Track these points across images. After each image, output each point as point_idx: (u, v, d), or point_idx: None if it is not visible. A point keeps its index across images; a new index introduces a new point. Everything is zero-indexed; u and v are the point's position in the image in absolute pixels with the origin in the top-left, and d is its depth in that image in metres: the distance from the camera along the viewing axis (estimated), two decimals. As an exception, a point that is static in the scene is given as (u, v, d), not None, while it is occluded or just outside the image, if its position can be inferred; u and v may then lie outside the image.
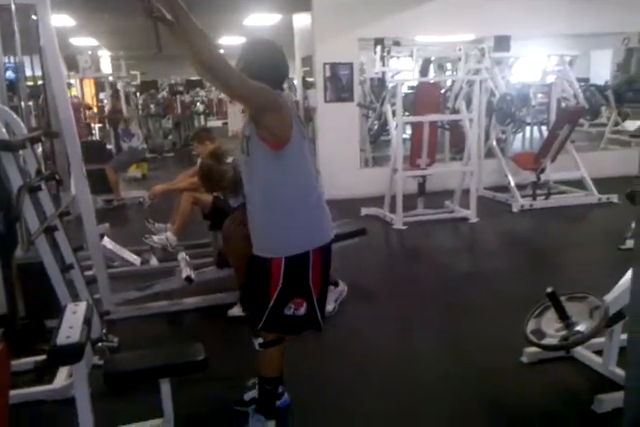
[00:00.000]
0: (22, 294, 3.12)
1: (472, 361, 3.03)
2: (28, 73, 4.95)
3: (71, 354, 1.74)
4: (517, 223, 5.99)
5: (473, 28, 7.16)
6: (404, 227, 5.66)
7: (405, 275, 4.46)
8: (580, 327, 2.49)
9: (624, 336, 2.29)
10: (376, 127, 7.92)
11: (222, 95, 17.69)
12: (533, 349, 2.83)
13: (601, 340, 2.75)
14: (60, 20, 7.52)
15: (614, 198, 6.35)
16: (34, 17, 3.42)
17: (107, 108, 8.60)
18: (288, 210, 2.14)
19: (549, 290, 2.57)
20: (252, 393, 2.56)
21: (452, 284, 4.25)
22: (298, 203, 2.15)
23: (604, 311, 2.49)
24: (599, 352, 2.80)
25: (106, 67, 12.49)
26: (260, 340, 2.26)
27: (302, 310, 2.20)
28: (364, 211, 6.08)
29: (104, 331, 3.03)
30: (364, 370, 2.93)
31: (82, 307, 1.96)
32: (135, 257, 4.25)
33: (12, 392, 2.61)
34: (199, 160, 4.65)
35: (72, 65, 8.30)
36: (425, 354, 3.15)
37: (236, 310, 3.60)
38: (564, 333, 2.52)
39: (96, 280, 3.37)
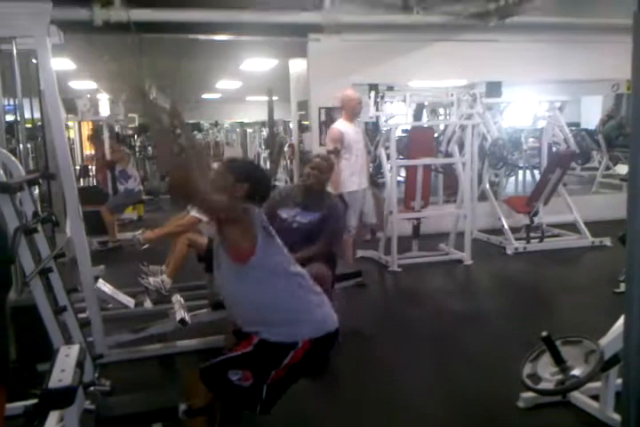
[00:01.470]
0: (14, 337, 3.10)
1: (468, 406, 3.00)
2: (27, 115, 5.04)
3: (63, 398, 1.72)
4: (512, 266, 6.00)
5: (465, 74, 7.35)
6: (399, 269, 5.66)
7: (401, 317, 4.44)
8: (576, 372, 2.49)
9: (620, 381, 2.28)
10: (371, 170, 8.01)
11: (219, 138, 17.98)
12: (530, 393, 2.81)
13: (597, 384, 2.73)
14: (61, 63, 7.68)
15: (607, 241, 6.39)
16: (34, 61, 3.51)
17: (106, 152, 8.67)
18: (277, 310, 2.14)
19: (544, 334, 2.57)
20: None
21: (447, 326, 4.23)
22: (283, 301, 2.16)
23: (599, 356, 2.49)
24: (596, 397, 2.78)
25: (104, 109, 12.67)
26: (184, 406, 2.08)
27: (247, 384, 2.09)
28: (360, 253, 6.09)
29: (96, 374, 3.00)
30: (357, 413, 2.88)
31: (74, 350, 1.95)
32: (129, 299, 4.22)
33: (1, 438, 2.58)
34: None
35: (71, 108, 8.43)
36: (421, 398, 3.11)
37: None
38: (559, 377, 2.51)
39: (89, 323, 3.34)
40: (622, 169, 9.09)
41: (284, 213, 3.75)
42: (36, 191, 4.87)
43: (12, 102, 4.34)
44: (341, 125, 5.31)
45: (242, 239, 2.08)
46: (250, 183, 2.27)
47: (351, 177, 5.22)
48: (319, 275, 3.40)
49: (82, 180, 8.76)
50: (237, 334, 2.35)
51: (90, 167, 8.89)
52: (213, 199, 2.04)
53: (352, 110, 5.31)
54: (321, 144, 6.89)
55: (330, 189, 4.64)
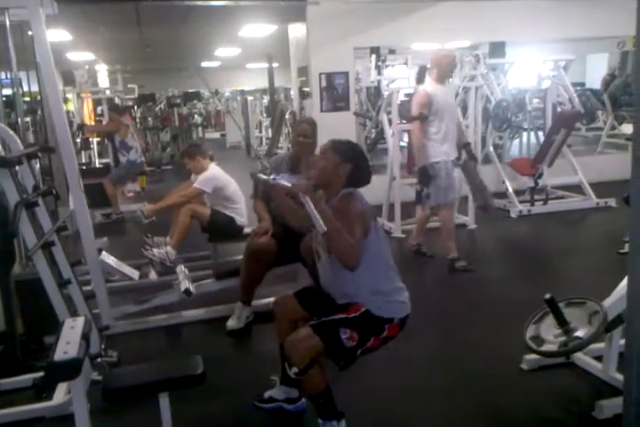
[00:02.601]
0: (20, 311, 3.14)
1: (473, 369, 3.02)
2: (25, 89, 4.99)
3: (69, 370, 1.73)
4: (516, 229, 5.99)
5: (468, 35, 7.19)
6: (403, 235, 5.65)
7: (405, 282, 4.44)
8: (579, 333, 2.49)
9: (623, 341, 2.29)
10: (373, 136, 7.95)
11: (220, 107, 17.82)
12: (533, 355, 2.82)
13: (601, 345, 2.74)
14: (56, 35, 7.55)
15: (612, 202, 6.35)
16: (29, 33, 3.45)
17: (104, 123, 8.60)
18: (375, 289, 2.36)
19: (548, 296, 2.56)
20: (271, 392, 2.67)
21: (451, 291, 4.25)
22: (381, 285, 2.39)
23: (602, 317, 2.49)
24: (599, 358, 2.79)
25: (103, 81, 12.53)
26: (295, 369, 2.21)
27: (350, 344, 2.26)
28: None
29: (103, 346, 3.04)
30: (362, 380, 2.91)
31: (80, 322, 1.96)
32: (134, 271, 4.25)
33: (12, 410, 2.63)
34: (192, 176, 4.66)
35: (69, 80, 8.33)
36: (425, 362, 3.14)
37: (233, 323, 3.60)
38: (563, 339, 2.51)
39: (94, 295, 3.36)
40: (628, 129, 8.96)
41: (279, 179, 3.70)
42: (37, 165, 4.86)
43: (9, 76, 4.30)
44: (430, 87, 4.69)
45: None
46: (353, 164, 2.39)
47: (439, 146, 4.63)
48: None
49: (82, 153, 8.70)
50: (302, 298, 2.51)
51: (90, 140, 8.82)
52: (359, 248, 2.21)
53: (444, 70, 4.74)
54: (322, 110, 6.82)
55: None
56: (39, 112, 5.70)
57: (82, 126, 8.36)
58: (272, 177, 2.46)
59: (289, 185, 2.33)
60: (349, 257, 2.18)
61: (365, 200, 2.39)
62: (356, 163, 2.41)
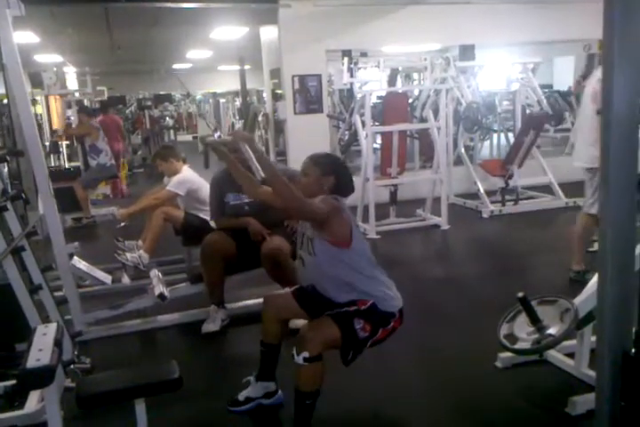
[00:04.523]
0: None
1: (447, 368, 3.05)
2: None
3: (41, 377, 1.70)
4: (488, 229, 6.07)
5: (438, 38, 7.27)
6: (378, 236, 5.69)
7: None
8: (552, 331, 2.53)
9: (594, 338, 2.33)
10: (346, 138, 7.98)
11: (191, 109, 17.70)
12: (507, 353, 2.86)
13: (573, 342, 2.79)
14: (24, 36, 7.43)
15: (580, 202, 6.45)
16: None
17: (74, 126, 8.47)
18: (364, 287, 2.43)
19: (520, 295, 2.60)
20: (246, 392, 2.67)
21: (425, 291, 4.28)
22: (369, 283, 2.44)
23: (574, 314, 2.53)
24: (572, 355, 2.84)
25: (72, 83, 12.34)
26: (306, 354, 2.23)
27: (363, 335, 2.34)
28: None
29: (76, 352, 2.99)
30: (335, 382, 2.92)
31: (52, 328, 1.93)
32: (106, 276, 4.19)
33: (-18, 419, 2.57)
34: (165, 179, 4.62)
35: (37, 82, 8.19)
36: (397, 362, 3.16)
37: (209, 326, 3.58)
38: (536, 336, 2.55)
39: (66, 301, 3.30)
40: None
41: (232, 200, 3.69)
42: (5, 169, 4.77)
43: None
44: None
45: (340, 230, 2.36)
46: (335, 176, 2.46)
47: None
48: (278, 248, 3.40)
49: (52, 156, 8.56)
50: (300, 296, 2.56)
51: (60, 143, 8.68)
52: (316, 210, 2.28)
53: None
54: (295, 113, 6.82)
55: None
56: (6, 115, 5.59)
57: (66, 129, 8.24)
58: (217, 135, 2.53)
59: (229, 138, 2.39)
60: (290, 198, 2.21)
61: (345, 203, 2.45)
62: (338, 174, 2.48)
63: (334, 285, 2.44)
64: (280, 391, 2.69)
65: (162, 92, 15.29)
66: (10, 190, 3.03)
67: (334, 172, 2.46)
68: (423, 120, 6.71)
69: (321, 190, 2.42)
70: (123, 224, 4.34)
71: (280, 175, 2.21)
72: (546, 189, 6.77)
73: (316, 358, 2.24)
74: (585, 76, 9.91)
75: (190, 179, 4.41)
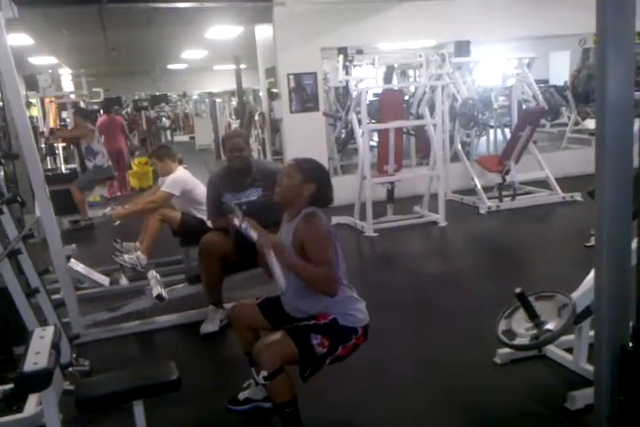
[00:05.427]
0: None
1: (446, 364, 3.05)
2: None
3: (39, 381, 1.70)
4: (485, 225, 6.07)
5: (433, 34, 7.27)
6: (375, 234, 5.68)
7: (378, 281, 4.48)
8: (550, 326, 2.53)
9: (592, 333, 2.33)
10: (343, 136, 7.97)
11: (188, 110, 17.68)
12: (506, 349, 2.86)
13: (571, 337, 2.79)
14: (18, 39, 7.42)
15: (578, 196, 6.48)
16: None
17: (69, 128, 8.46)
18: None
19: (518, 290, 2.60)
20: (247, 393, 2.66)
21: (424, 288, 4.28)
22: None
23: (571, 309, 2.53)
24: (570, 350, 2.84)
25: (67, 85, 12.32)
26: (264, 373, 2.18)
27: (321, 351, 2.28)
28: (335, 219, 6.09)
29: (74, 355, 2.98)
30: (331, 378, 2.92)
31: (49, 331, 1.93)
32: (104, 278, 4.19)
33: (-19, 423, 2.56)
34: (160, 179, 4.61)
35: (32, 85, 8.17)
36: (397, 358, 3.16)
37: (207, 327, 3.58)
38: (534, 332, 2.55)
39: (64, 303, 3.31)
40: (591, 124, 9.15)
41: (230, 200, 3.66)
42: (1, 172, 4.76)
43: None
44: None
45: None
46: (317, 184, 2.39)
47: None
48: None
49: (48, 159, 8.55)
50: (265, 307, 2.53)
51: (56, 146, 8.67)
52: (325, 278, 2.25)
53: None
54: (291, 111, 6.81)
55: None
56: (1, 118, 5.58)
57: (52, 131, 8.24)
58: (243, 226, 2.52)
59: (255, 238, 2.41)
60: (328, 287, 2.24)
61: (326, 219, 2.41)
62: (319, 182, 2.40)
63: (301, 296, 2.39)
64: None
65: (158, 93, 15.26)
66: (6, 193, 3.02)
67: (316, 180, 2.39)
68: (419, 117, 6.70)
69: (299, 196, 2.37)
70: (117, 223, 4.33)
71: (308, 267, 2.25)
72: (543, 184, 6.77)
73: (276, 373, 2.19)
74: (580, 70, 9.90)
75: (184, 178, 4.40)
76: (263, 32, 8.25)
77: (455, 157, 7.17)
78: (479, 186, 6.54)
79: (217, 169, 3.72)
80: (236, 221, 2.58)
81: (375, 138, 6.99)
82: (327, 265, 2.24)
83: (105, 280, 4.16)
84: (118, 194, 8.85)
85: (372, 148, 6.67)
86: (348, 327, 2.34)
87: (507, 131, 7.80)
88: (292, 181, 2.38)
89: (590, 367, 2.62)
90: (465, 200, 6.78)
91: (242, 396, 2.67)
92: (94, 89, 12.64)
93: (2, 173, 4.74)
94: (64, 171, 8.58)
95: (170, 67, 15.47)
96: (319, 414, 2.60)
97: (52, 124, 8.99)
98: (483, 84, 8.10)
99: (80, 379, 2.75)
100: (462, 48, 7.26)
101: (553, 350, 2.92)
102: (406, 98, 7.63)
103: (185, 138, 17.30)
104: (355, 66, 8.48)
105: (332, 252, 2.29)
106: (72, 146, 8.21)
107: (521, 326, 2.62)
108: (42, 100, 8.77)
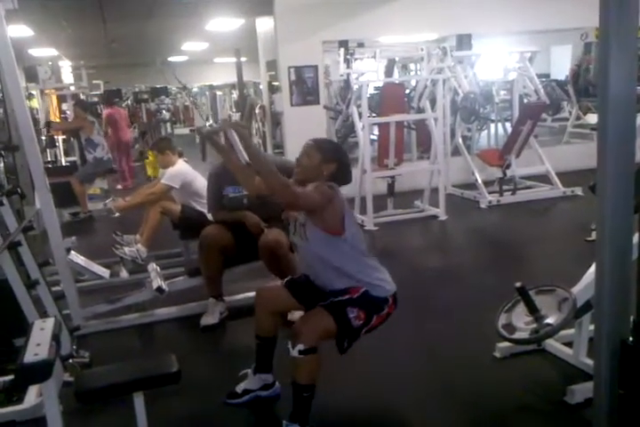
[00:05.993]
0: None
1: (446, 358, 3.06)
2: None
3: (39, 372, 1.70)
4: (486, 219, 6.07)
5: (435, 28, 7.24)
6: (376, 228, 5.68)
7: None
8: (550, 320, 2.53)
9: (592, 327, 2.33)
10: (343, 129, 7.96)
11: (188, 102, 17.63)
12: (506, 343, 2.87)
13: (571, 331, 2.80)
14: (17, 30, 7.38)
15: (578, 191, 6.47)
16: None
17: (69, 120, 8.44)
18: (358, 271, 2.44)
19: (518, 285, 2.60)
20: (244, 384, 2.67)
21: (424, 282, 4.28)
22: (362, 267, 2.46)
23: (572, 303, 2.53)
24: (570, 344, 2.85)
25: (67, 77, 12.28)
26: (301, 346, 2.22)
27: (357, 323, 2.33)
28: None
29: (74, 347, 2.99)
30: (339, 369, 2.92)
31: (49, 323, 1.92)
32: (104, 270, 4.19)
33: (-18, 414, 2.57)
34: (161, 171, 4.61)
35: (32, 76, 8.15)
36: (397, 352, 3.17)
37: (207, 319, 3.58)
38: (534, 326, 2.55)
39: (64, 295, 3.31)
40: (592, 118, 9.14)
41: (231, 193, 3.68)
42: (1, 164, 4.75)
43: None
44: None
45: (332, 218, 2.35)
46: (337, 164, 2.43)
47: None
48: (276, 240, 3.38)
49: (48, 151, 8.53)
50: (292, 288, 2.56)
51: (56, 138, 8.65)
52: (309, 201, 2.26)
53: None
54: (292, 104, 6.79)
55: None
56: (1, 110, 5.56)
57: (49, 124, 8.21)
58: (208, 124, 2.48)
59: (218, 126, 2.36)
60: (280, 189, 2.17)
61: (341, 193, 2.42)
62: (340, 162, 2.45)
63: (327, 270, 2.43)
64: (278, 384, 2.69)
65: (158, 86, 15.18)
66: (6, 185, 3.02)
67: (337, 160, 2.44)
68: (420, 111, 6.69)
69: (320, 176, 2.40)
70: (117, 214, 4.34)
71: (269, 164, 2.18)
72: (543, 178, 6.76)
73: (311, 351, 2.23)
74: (580, 64, 9.88)
75: (184, 171, 4.40)
76: (264, 24, 8.21)
77: (456, 151, 7.15)
78: (480, 180, 6.53)
79: (218, 162, 3.71)
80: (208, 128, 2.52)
81: (376, 131, 6.99)
82: (301, 192, 2.25)
83: (105, 272, 4.16)
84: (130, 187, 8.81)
85: (372, 141, 6.66)
86: (380, 298, 2.42)
87: (508, 125, 7.79)
88: (311, 161, 2.41)
89: (590, 361, 2.62)
90: (465, 194, 6.77)
91: (239, 388, 2.68)
92: (94, 81, 12.61)
93: (2, 165, 4.74)
94: (64, 163, 8.58)
95: (170, 59, 15.42)
96: (317, 408, 2.60)
97: (51, 117, 8.97)
98: (484, 77, 8.08)
99: (80, 370, 2.76)
100: (464, 41, 7.25)
101: (553, 344, 2.92)
102: (407, 91, 7.61)
103: (185, 131, 17.25)
104: (356, 59, 8.47)
105: (320, 197, 2.28)
106: (72, 138, 8.18)
107: (521, 320, 2.63)
108: (42, 92, 8.75)
